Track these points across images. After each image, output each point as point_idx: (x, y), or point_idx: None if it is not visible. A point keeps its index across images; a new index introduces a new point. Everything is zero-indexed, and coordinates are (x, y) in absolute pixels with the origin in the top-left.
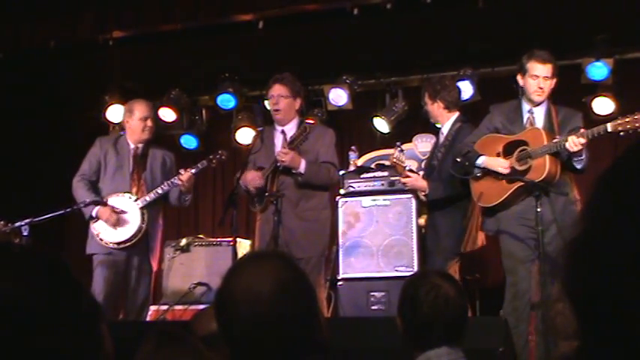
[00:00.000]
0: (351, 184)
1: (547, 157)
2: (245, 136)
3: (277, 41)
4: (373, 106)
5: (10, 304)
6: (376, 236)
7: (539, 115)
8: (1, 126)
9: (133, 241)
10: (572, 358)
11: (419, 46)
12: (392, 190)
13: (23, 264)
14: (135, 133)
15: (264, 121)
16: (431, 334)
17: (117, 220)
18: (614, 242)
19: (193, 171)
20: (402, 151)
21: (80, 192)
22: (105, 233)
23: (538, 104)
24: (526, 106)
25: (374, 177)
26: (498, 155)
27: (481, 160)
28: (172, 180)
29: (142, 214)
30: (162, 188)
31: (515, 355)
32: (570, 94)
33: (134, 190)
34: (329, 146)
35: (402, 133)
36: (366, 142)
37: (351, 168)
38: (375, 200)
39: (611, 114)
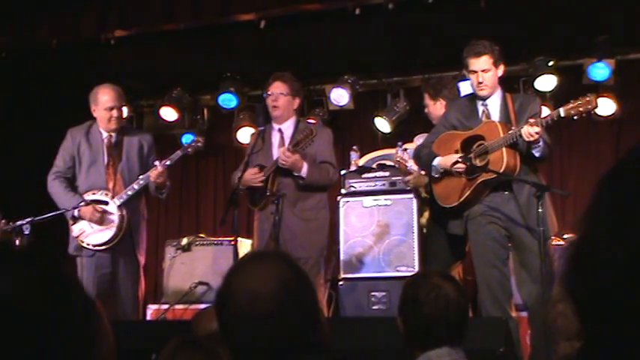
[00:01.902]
0: (353, 184)
1: (504, 149)
2: (246, 135)
3: (279, 41)
4: (375, 106)
5: (3, 303)
6: (377, 236)
7: (494, 106)
8: (3, 125)
9: (114, 242)
10: (575, 358)
11: (420, 46)
12: (393, 190)
13: (16, 263)
14: (102, 123)
15: (266, 121)
16: (431, 334)
17: (101, 217)
18: (617, 243)
19: (168, 162)
20: (405, 150)
21: (58, 190)
22: (85, 235)
23: (488, 97)
24: (479, 100)
25: (375, 177)
26: (457, 153)
27: (437, 162)
28: (146, 174)
29: (121, 213)
30: (138, 183)
31: (516, 355)
32: (571, 94)
33: (110, 184)
34: (327, 146)
35: (403, 133)
36: (368, 142)
37: (353, 168)
38: (376, 200)
39: (612, 115)
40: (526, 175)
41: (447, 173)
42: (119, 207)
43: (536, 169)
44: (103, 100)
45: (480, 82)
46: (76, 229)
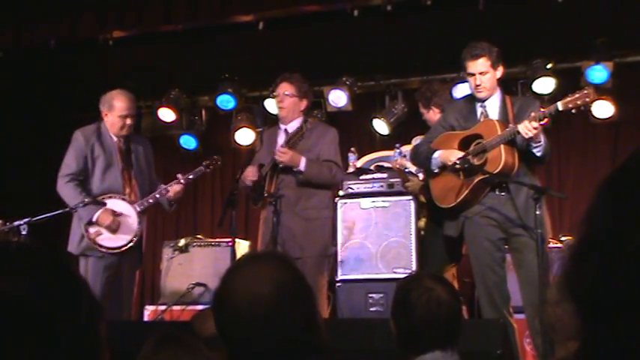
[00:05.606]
0: (350, 186)
1: (502, 147)
2: (244, 136)
3: (277, 42)
4: (373, 107)
5: (11, 303)
6: (375, 238)
7: (493, 108)
8: (1, 125)
9: (128, 246)
10: (573, 358)
11: (419, 48)
12: (391, 191)
13: (23, 262)
14: (114, 128)
15: (264, 122)
16: (424, 337)
17: (118, 225)
18: (618, 244)
19: (191, 176)
20: (404, 156)
21: (71, 192)
22: (102, 239)
23: (486, 99)
24: (478, 101)
25: (373, 179)
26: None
27: (437, 154)
28: (166, 187)
29: (140, 219)
30: (160, 193)
31: (513, 357)
32: None
33: (127, 190)
34: (331, 145)
35: (401, 135)
36: (366, 143)
37: (350, 169)
38: (374, 202)
39: (610, 117)
40: (524, 176)
41: (444, 169)
42: (139, 213)
43: (533, 170)
44: (119, 106)
45: (478, 85)
46: (92, 229)
